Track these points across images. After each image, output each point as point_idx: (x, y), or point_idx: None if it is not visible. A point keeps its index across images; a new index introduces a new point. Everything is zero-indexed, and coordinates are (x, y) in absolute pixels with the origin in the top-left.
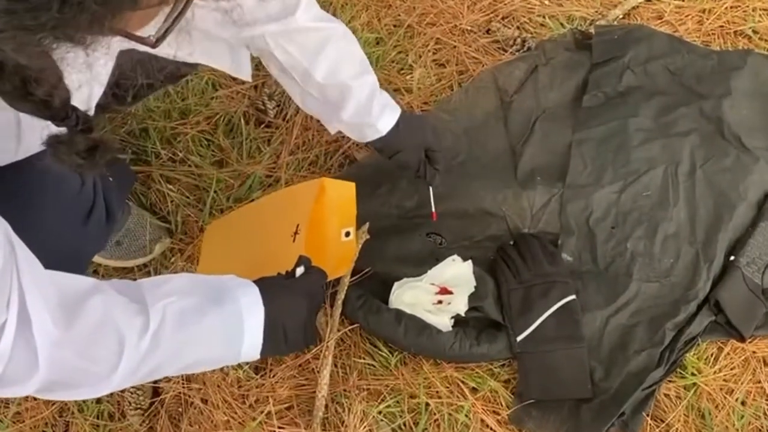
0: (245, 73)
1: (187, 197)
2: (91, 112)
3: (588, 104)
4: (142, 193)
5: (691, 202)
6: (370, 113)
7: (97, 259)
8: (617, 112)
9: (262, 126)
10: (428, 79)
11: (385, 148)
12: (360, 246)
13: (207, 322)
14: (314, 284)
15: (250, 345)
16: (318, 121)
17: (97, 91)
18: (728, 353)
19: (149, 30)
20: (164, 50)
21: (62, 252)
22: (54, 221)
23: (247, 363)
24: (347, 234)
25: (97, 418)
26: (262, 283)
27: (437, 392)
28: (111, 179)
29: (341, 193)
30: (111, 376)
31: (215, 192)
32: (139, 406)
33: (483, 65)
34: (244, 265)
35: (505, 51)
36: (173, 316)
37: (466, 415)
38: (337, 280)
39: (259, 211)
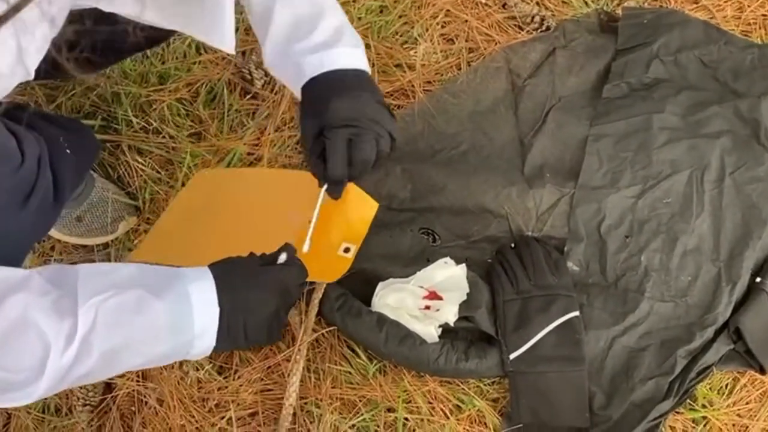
0: (228, 44)
1: (158, 172)
2: (31, 76)
3: (609, 95)
4: (110, 164)
5: (717, 214)
6: (308, 36)
7: (55, 234)
8: (641, 107)
9: (248, 97)
10: (434, 56)
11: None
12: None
13: (146, 319)
14: (292, 279)
15: (202, 344)
16: None
17: (33, 52)
18: (744, 385)
19: None
20: (127, 8)
21: None
22: None
23: (209, 360)
24: (346, 250)
25: (42, 412)
26: (227, 267)
27: (417, 408)
28: (68, 151)
29: (361, 208)
30: (37, 384)
31: (189, 168)
32: (88, 402)
33: (496, 44)
34: (219, 229)
35: (522, 29)
36: (106, 316)
37: None
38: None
39: (260, 179)
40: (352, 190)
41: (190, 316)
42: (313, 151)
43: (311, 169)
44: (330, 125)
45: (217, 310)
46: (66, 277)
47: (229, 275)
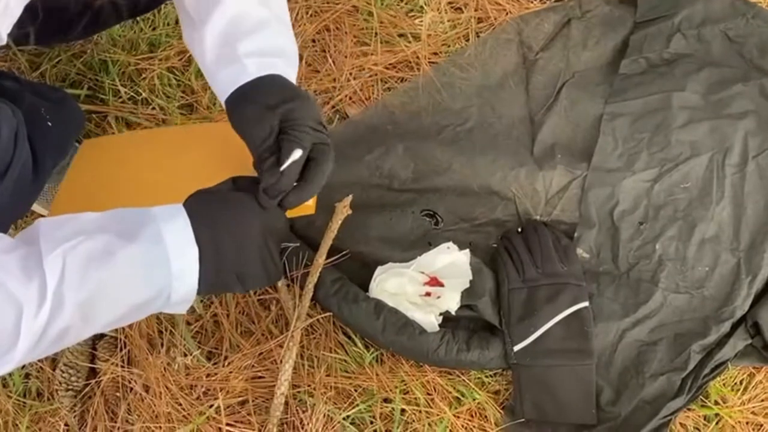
0: None
1: None
2: (2, 41)
3: (626, 71)
4: (96, 136)
5: (738, 200)
6: (236, 44)
7: (38, 209)
8: (660, 84)
9: None
10: (441, 25)
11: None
12: (339, 222)
13: (117, 265)
14: (272, 207)
15: (182, 287)
16: (307, 66)
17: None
18: (760, 381)
19: None
20: None
21: None
22: None
23: (198, 345)
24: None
25: (24, 396)
26: (201, 198)
27: (415, 399)
28: (49, 123)
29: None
30: (14, 349)
31: None
32: (71, 387)
33: (507, 13)
34: (124, 198)
35: None
36: (74, 265)
37: (447, 429)
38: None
39: (154, 139)
40: None
41: (165, 256)
42: (272, 151)
43: (266, 170)
44: (295, 126)
45: (196, 248)
46: (29, 232)
47: (206, 207)
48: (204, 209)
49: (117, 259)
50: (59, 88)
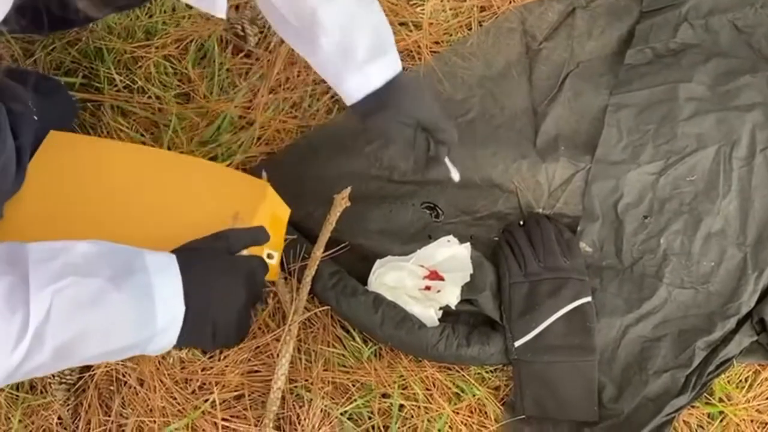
0: (219, 8)
1: (142, 135)
2: None
3: (632, 61)
4: (91, 125)
5: (745, 194)
6: (355, 52)
7: None
8: (666, 75)
9: (240, 55)
10: (443, 14)
11: (368, 113)
12: (338, 214)
13: (104, 313)
14: (259, 271)
15: (162, 340)
16: None
17: None
18: (766, 379)
19: None
20: None
21: None
22: None
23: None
24: (269, 256)
25: (16, 390)
26: (194, 255)
27: (414, 394)
28: (35, 117)
29: (276, 212)
30: None
31: (175, 131)
32: (64, 380)
33: (510, 2)
34: (89, 204)
35: None
36: (62, 308)
37: (446, 425)
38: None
39: (133, 155)
40: (270, 192)
41: (152, 311)
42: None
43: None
44: (433, 125)
45: (183, 307)
46: (14, 256)
47: (198, 265)
48: (197, 269)
49: (104, 307)
50: (52, 77)
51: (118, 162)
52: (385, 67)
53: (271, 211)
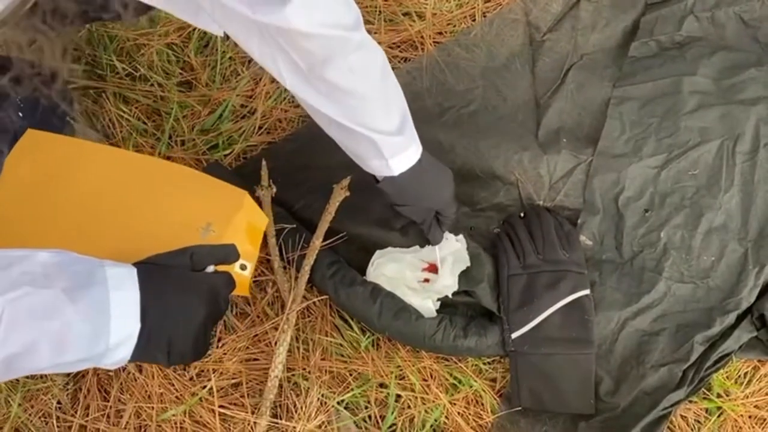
0: (216, 26)
1: (144, 123)
2: None
3: (636, 53)
4: (92, 113)
5: (748, 189)
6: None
7: None
8: (671, 67)
9: None
10: (447, 4)
11: (391, 194)
12: (337, 204)
13: (57, 326)
14: (223, 289)
15: (115, 356)
16: None
17: None
18: (765, 374)
19: None
20: None
21: None
22: None
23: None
24: (243, 267)
25: None
26: (156, 270)
27: (411, 385)
28: (20, 114)
29: (253, 222)
30: None
31: (177, 119)
32: None
33: None
34: (65, 207)
35: None
36: (14, 319)
37: (442, 416)
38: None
39: (111, 158)
40: (248, 201)
41: (106, 327)
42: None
43: (433, 241)
44: (444, 210)
45: (138, 324)
46: None
47: (159, 281)
48: (157, 287)
49: (57, 319)
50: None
51: (95, 165)
52: (406, 159)
53: (246, 221)
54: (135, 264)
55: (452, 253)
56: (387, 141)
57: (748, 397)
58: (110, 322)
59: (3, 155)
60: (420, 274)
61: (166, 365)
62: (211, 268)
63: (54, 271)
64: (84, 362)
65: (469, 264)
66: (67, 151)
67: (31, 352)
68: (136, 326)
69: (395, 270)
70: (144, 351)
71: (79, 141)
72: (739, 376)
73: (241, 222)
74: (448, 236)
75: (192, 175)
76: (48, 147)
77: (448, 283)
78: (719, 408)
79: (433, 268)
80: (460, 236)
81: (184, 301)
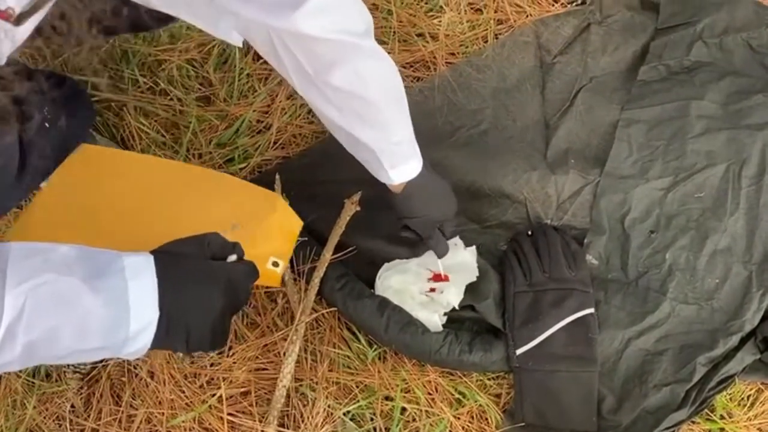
0: (236, 36)
1: (163, 135)
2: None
3: (645, 77)
4: (114, 125)
5: (753, 213)
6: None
7: None
8: (679, 92)
9: (260, 61)
10: (459, 26)
11: (398, 204)
12: (348, 218)
13: (77, 314)
14: (243, 279)
15: (135, 345)
16: None
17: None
18: None
19: None
20: None
21: None
22: None
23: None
24: (275, 264)
25: (32, 377)
26: (174, 259)
27: (416, 398)
28: (47, 125)
29: (287, 224)
30: None
31: (194, 133)
32: (78, 369)
33: (527, 16)
34: (109, 212)
35: (556, 1)
36: (36, 306)
37: (446, 430)
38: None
39: (156, 168)
40: (281, 204)
41: (126, 316)
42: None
43: (439, 254)
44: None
45: (157, 313)
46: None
47: (175, 269)
48: (174, 275)
49: (77, 307)
50: (72, 80)
51: (135, 173)
52: (407, 171)
53: (279, 223)
54: (153, 252)
55: (459, 261)
56: (387, 151)
57: (751, 419)
58: (129, 311)
59: (34, 120)
60: (426, 285)
61: (185, 353)
62: (233, 258)
63: (74, 262)
64: (103, 350)
65: (477, 274)
66: (114, 162)
67: (53, 339)
68: (154, 314)
69: (401, 281)
70: (164, 339)
71: (123, 152)
72: (743, 398)
73: (273, 223)
74: (458, 242)
75: (227, 179)
76: (97, 159)
77: (454, 299)
78: (722, 429)
79: (438, 278)
80: (472, 248)
81: (201, 290)
